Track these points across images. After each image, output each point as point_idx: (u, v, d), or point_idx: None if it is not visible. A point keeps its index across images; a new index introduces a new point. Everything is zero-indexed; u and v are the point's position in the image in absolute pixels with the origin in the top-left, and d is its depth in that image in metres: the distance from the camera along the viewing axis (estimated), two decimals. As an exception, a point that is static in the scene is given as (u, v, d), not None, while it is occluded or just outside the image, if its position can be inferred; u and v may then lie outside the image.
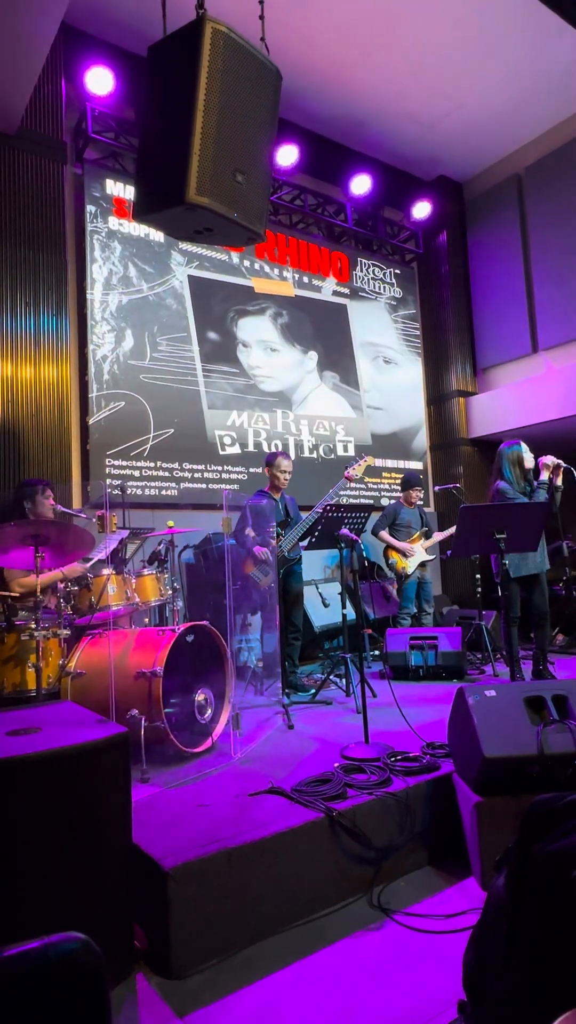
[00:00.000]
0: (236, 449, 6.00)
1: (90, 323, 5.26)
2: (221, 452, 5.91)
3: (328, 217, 6.91)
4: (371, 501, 6.88)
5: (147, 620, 4.19)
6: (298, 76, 5.85)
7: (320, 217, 6.86)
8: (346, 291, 7.14)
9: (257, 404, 6.23)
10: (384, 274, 7.54)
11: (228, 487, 5.77)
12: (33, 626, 2.99)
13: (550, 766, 2.27)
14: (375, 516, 5.64)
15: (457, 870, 2.43)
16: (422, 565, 5.58)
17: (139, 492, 5.33)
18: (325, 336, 6.87)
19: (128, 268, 5.55)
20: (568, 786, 2.28)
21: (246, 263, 6.35)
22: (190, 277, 5.92)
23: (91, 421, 5.18)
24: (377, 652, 5.58)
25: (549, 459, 4.27)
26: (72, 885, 1.78)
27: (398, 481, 7.13)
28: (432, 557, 5.68)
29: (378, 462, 7.12)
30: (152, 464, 5.46)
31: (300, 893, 2.17)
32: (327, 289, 6.99)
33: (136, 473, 5.36)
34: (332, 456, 6.74)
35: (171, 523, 3.90)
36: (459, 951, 1.33)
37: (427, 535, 5.71)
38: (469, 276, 7.76)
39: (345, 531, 3.90)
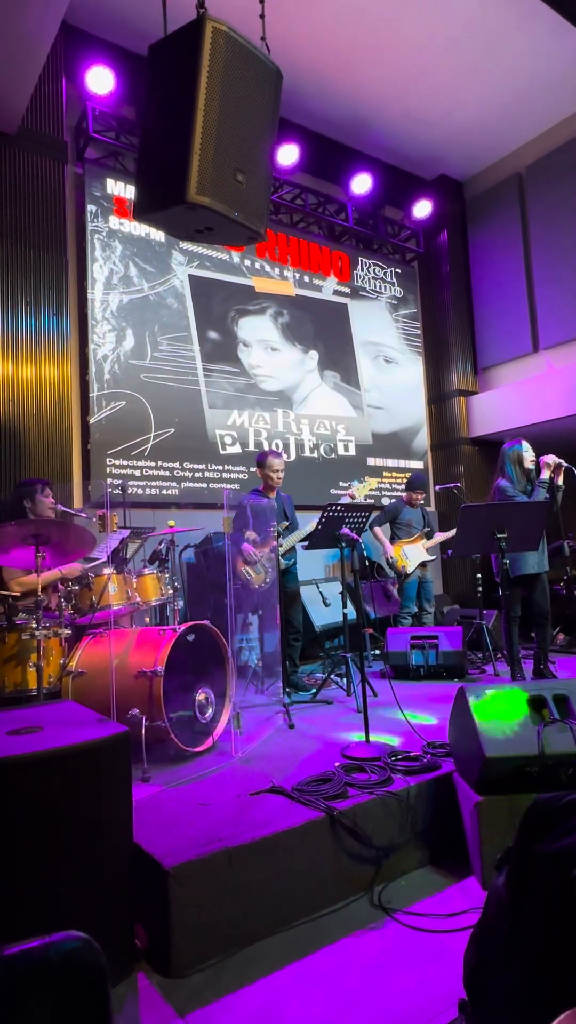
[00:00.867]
0: (237, 449, 6.00)
1: (91, 322, 5.26)
2: (222, 451, 5.91)
3: (329, 216, 6.91)
4: (372, 500, 6.88)
5: (148, 619, 4.19)
6: (299, 75, 5.85)
7: (321, 216, 6.86)
8: (347, 290, 7.14)
9: (258, 403, 6.23)
10: (385, 273, 7.53)
11: (229, 486, 5.77)
12: (34, 625, 3.00)
13: (551, 766, 2.27)
14: (375, 516, 5.65)
15: (458, 869, 2.43)
16: (423, 565, 5.58)
17: (140, 491, 5.33)
18: (326, 335, 6.86)
19: (129, 267, 5.55)
20: (569, 785, 2.28)
21: (247, 262, 6.35)
22: (191, 276, 5.92)
23: (92, 420, 5.18)
24: (378, 651, 5.58)
25: (550, 458, 4.27)
26: (73, 884, 1.78)
27: (399, 480, 7.14)
28: (433, 557, 5.68)
29: (379, 461, 7.12)
30: (153, 463, 5.46)
31: (301, 892, 2.17)
32: (328, 288, 6.99)
33: (137, 472, 5.36)
34: (333, 456, 6.74)
35: (172, 523, 3.91)
36: (460, 950, 1.33)
37: (429, 535, 5.71)
38: (470, 275, 7.75)
39: (346, 531, 3.90)
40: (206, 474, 5.77)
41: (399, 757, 2.76)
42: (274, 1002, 1.76)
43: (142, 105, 2.47)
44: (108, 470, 5.20)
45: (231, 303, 6.17)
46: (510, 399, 7.15)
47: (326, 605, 5.69)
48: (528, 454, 4.36)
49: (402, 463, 7.32)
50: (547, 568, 4.34)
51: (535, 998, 1.02)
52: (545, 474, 4.24)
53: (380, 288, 7.46)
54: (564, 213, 6.68)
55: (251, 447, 6.06)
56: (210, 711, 3.28)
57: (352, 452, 6.90)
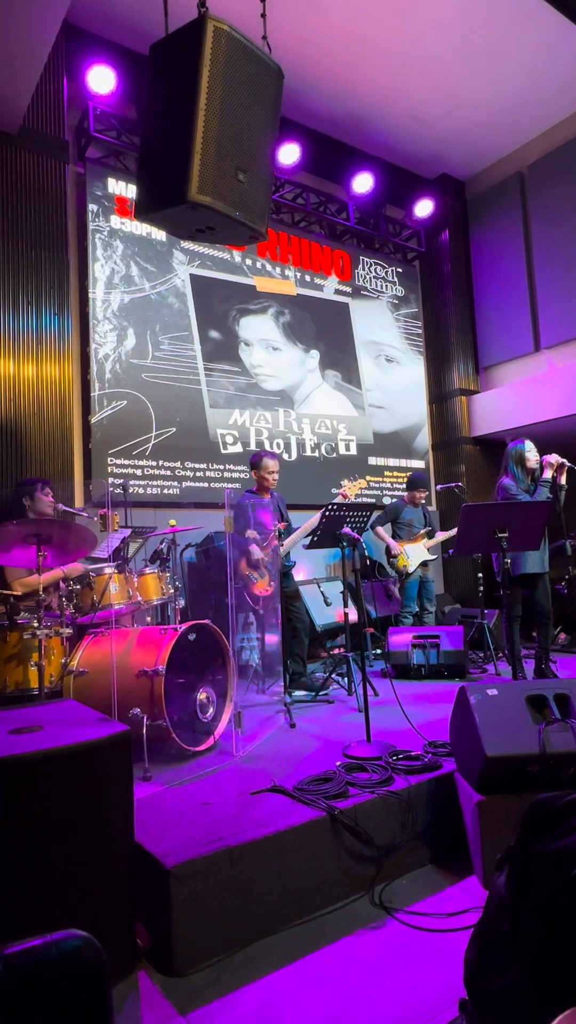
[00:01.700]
0: (238, 448, 6.00)
1: (92, 322, 5.26)
2: (223, 451, 5.91)
3: (330, 215, 6.90)
4: (373, 500, 6.88)
5: (149, 619, 4.20)
6: (300, 74, 5.84)
7: (322, 215, 6.85)
8: (348, 290, 7.14)
9: (259, 403, 6.23)
10: (386, 272, 7.53)
11: (230, 486, 5.77)
12: (35, 625, 3.00)
13: (552, 765, 2.27)
14: (377, 515, 5.65)
15: (459, 869, 2.44)
16: (424, 564, 5.58)
17: (141, 491, 5.33)
18: (327, 335, 6.86)
19: (130, 267, 5.55)
20: (570, 785, 2.28)
21: (248, 262, 6.35)
22: (192, 276, 5.92)
23: (93, 420, 5.18)
24: (379, 651, 5.58)
25: (553, 457, 4.27)
26: (74, 883, 1.78)
27: (400, 480, 7.13)
28: (434, 557, 5.67)
29: (380, 461, 7.12)
30: (154, 463, 5.47)
31: (302, 891, 2.18)
32: (329, 288, 6.99)
33: (138, 472, 5.36)
34: (334, 455, 6.73)
35: (173, 522, 3.91)
36: (460, 949, 1.33)
37: (430, 535, 5.70)
38: (471, 274, 7.74)
39: (347, 530, 3.90)
40: (207, 473, 5.77)
41: (400, 756, 2.76)
42: (275, 1001, 1.76)
43: (143, 104, 2.47)
44: (109, 469, 5.20)
45: (232, 302, 6.17)
46: (511, 398, 7.14)
47: (327, 604, 5.69)
48: (531, 453, 4.37)
49: (403, 462, 7.31)
50: (548, 568, 4.34)
51: (536, 997, 1.02)
52: (548, 473, 4.24)
53: (381, 287, 7.46)
54: (566, 212, 6.67)
55: (252, 446, 6.06)
56: (211, 710, 3.28)
57: (353, 451, 6.90)
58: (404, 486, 6.05)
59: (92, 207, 5.37)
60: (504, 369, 7.47)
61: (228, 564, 3.34)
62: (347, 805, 2.35)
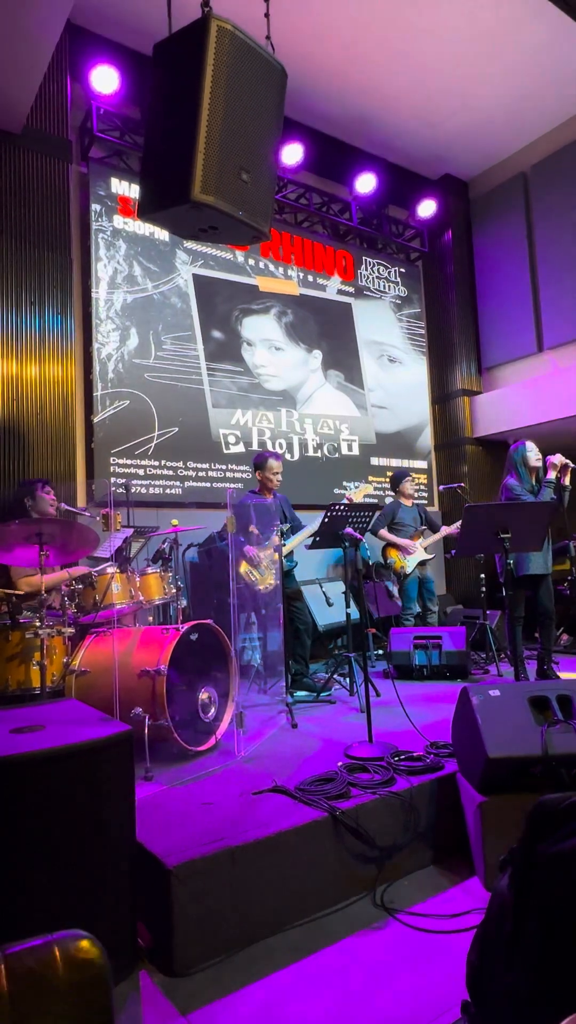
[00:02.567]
0: (240, 448, 6.00)
1: (95, 322, 5.26)
2: (225, 451, 5.91)
3: (333, 216, 6.90)
4: (375, 500, 6.87)
5: (151, 619, 4.20)
6: (303, 74, 5.84)
7: (325, 216, 6.85)
8: (351, 290, 7.13)
9: (261, 403, 6.23)
10: (389, 273, 7.52)
11: (232, 486, 5.77)
12: (37, 624, 3.00)
13: (554, 766, 2.26)
14: (375, 518, 5.63)
15: (461, 870, 2.43)
16: (422, 564, 5.55)
17: (143, 491, 5.34)
18: (330, 335, 6.86)
19: (133, 267, 5.55)
20: (572, 786, 2.27)
21: (251, 262, 6.35)
22: (195, 276, 5.92)
23: (96, 419, 5.18)
24: (381, 651, 5.58)
25: (557, 458, 4.27)
26: (76, 882, 1.78)
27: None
28: (432, 556, 5.63)
29: (382, 461, 7.11)
30: (156, 463, 5.47)
31: (303, 892, 2.17)
32: (332, 288, 6.98)
33: (140, 472, 5.36)
34: (336, 455, 6.73)
35: (175, 522, 3.90)
36: (462, 951, 1.33)
37: (431, 531, 5.68)
38: (474, 274, 7.73)
39: (349, 530, 3.90)
40: (209, 473, 5.77)
41: (402, 757, 2.76)
42: (276, 1001, 1.76)
43: (147, 104, 2.47)
44: (112, 469, 5.20)
45: (235, 302, 6.17)
46: (514, 399, 7.13)
47: (329, 605, 5.69)
48: (531, 453, 4.37)
49: (406, 463, 7.30)
50: (551, 569, 4.34)
51: (539, 999, 1.01)
52: (552, 474, 4.24)
53: (384, 287, 7.45)
54: (569, 212, 6.66)
55: (254, 446, 6.05)
56: (213, 710, 3.28)
57: (355, 452, 6.89)
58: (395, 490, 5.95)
59: (95, 207, 5.38)
60: (507, 370, 7.46)
61: (230, 564, 3.34)
62: (349, 806, 2.34)
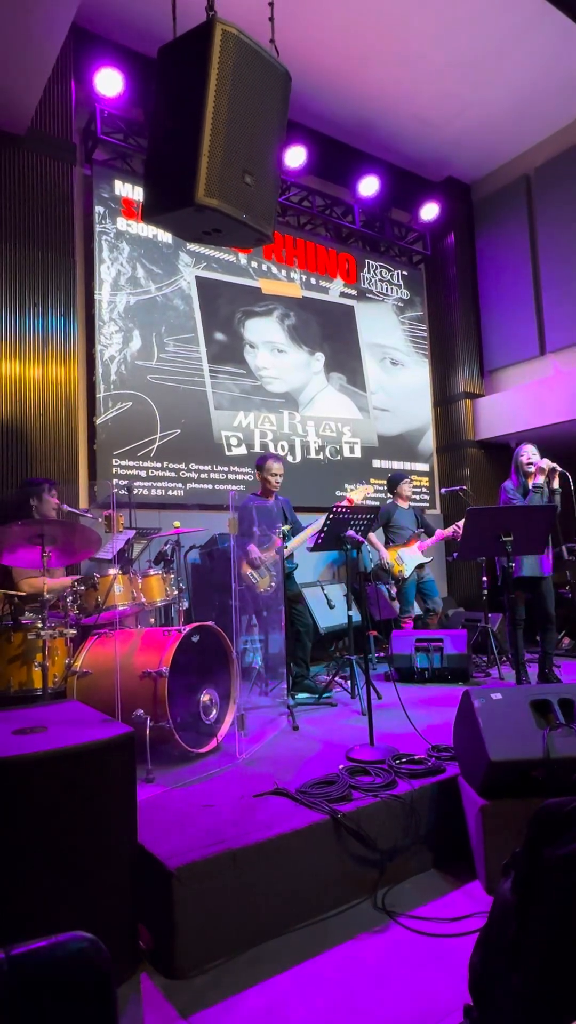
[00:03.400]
0: (242, 450, 6.00)
1: (98, 323, 5.27)
2: (227, 453, 5.91)
3: (336, 218, 6.91)
4: (376, 503, 6.86)
5: (153, 620, 4.20)
6: (307, 77, 5.85)
7: (328, 218, 6.86)
8: (353, 292, 7.14)
9: (264, 405, 6.24)
10: (391, 275, 7.53)
11: (234, 488, 5.77)
12: (39, 625, 3.00)
13: (556, 770, 2.26)
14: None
15: (462, 873, 2.43)
16: (420, 567, 5.50)
17: (145, 492, 5.34)
18: (332, 337, 6.86)
19: (136, 269, 5.56)
20: (575, 790, 2.27)
21: (253, 264, 6.36)
22: (197, 278, 5.93)
23: (98, 421, 5.19)
24: (382, 654, 5.57)
25: (544, 462, 4.30)
26: (77, 884, 1.78)
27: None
28: (430, 559, 5.57)
29: (384, 463, 7.11)
30: (159, 464, 5.47)
31: (304, 895, 2.17)
32: (334, 290, 6.99)
33: (143, 473, 5.37)
34: (338, 457, 6.73)
35: (177, 523, 3.91)
36: (464, 955, 1.33)
37: (427, 534, 5.64)
38: (477, 277, 7.74)
39: (351, 532, 3.90)
40: (212, 475, 5.78)
41: (403, 760, 2.76)
42: (277, 1004, 1.75)
43: (151, 107, 2.48)
44: (114, 471, 5.21)
45: (238, 305, 6.18)
46: (516, 402, 7.13)
47: (331, 607, 5.68)
48: (523, 456, 4.37)
49: (408, 466, 7.31)
50: (547, 572, 4.33)
51: (541, 1003, 1.01)
52: (540, 479, 4.25)
53: (387, 290, 7.46)
54: (572, 215, 6.67)
55: (257, 448, 6.06)
56: (214, 712, 3.28)
57: (358, 454, 6.89)
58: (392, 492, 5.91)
59: (99, 209, 5.39)
60: (509, 373, 7.46)
61: (232, 566, 3.34)
62: (350, 808, 2.34)
